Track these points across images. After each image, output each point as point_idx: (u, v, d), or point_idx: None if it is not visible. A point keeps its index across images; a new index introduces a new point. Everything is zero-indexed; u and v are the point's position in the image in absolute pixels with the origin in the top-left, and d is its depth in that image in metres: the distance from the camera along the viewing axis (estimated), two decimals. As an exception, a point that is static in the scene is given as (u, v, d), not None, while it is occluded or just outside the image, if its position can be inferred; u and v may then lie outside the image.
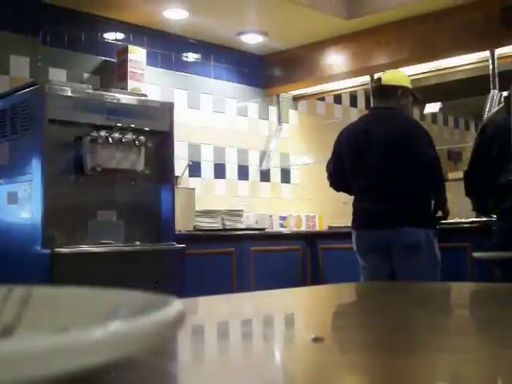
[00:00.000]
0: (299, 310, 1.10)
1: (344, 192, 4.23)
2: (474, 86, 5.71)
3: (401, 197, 3.75)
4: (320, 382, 0.50)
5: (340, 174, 4.08)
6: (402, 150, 3.74)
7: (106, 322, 0.32)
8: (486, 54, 5.18)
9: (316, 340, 0.63)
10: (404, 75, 4.06)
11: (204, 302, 1.10)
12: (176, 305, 0.37)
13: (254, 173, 6.31)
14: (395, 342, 0.67)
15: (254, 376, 0.52)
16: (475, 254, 3.35)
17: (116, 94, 4.21)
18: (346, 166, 3.99)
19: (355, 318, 0.98)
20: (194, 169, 5.75)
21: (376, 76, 4.29)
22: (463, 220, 4.58)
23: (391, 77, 4.01)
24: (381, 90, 3.97)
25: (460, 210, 3.98)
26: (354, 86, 6.41)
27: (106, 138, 4.03)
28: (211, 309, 1.03)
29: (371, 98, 4.09)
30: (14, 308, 0.45)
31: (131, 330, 0.33)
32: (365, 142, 3.85)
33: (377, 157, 3.80)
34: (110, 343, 0.31)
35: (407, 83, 3.98)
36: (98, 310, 0.42)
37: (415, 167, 3.72)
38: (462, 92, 6.39)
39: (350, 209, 6.29)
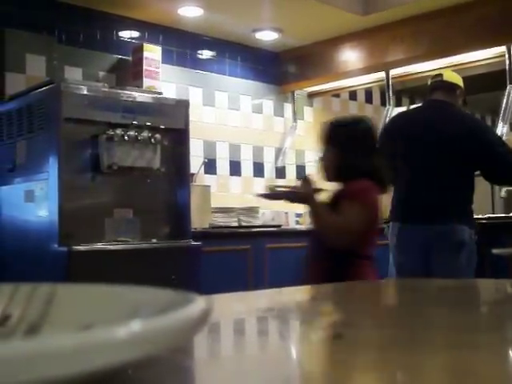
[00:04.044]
0: (318, 306, 1.10)
1: None
2: (491, 81, 5.67)
3: (455, 193, 3.72)
4: (340, 378, 0.50)
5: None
6: (468, 147, 3.71)
7: (130, 321, 0.33)
8: (503, 49, 5.15)
9: (336, 337, 0.63)
10: (461, 78, 4.05)
11: (220, 299, 1.10)
12: (200, 302, 0.37)
13: (269, 170, 6.31)
14: (415, 339, 0.67)
15: (274, 373, 0.52)
16: (494, 251, 3.33)
17: (132, 92, 4.22)
18: (398, 154, 3.90)
19: (374, 315, 0.98)
20: (210, 166, 5.75)
21: (435, 72, 4.28)
22: (480, 216, 4.55)
23: (453, 75, 4.03)
24: (444, 85, 3.96)
25: (478, 207, 3.96)
26: (369, 83, 6.39)
27: (122, 136, 4.05)
28: (230, 306, 1.03)
29: (428, 91, 4.04)
30: (39, 306, 0.46)
31: (155, 328, 0.33)
32: (428, 133, 3.78)
33: (439, 150, 3.74)
34: (135, 342, 0.31)
35: (462, 86, 4.00)
36: (121, 307, 0.43)
37: (490, 167, 3.75)
38: (479, 87, 6.34)
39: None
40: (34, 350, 0.29)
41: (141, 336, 0.32)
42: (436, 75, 4.07)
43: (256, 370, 0.54)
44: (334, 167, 2.97)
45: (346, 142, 2.95)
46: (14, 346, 0.28)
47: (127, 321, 0.33)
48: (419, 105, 4.38)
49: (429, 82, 4.05)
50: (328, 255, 2.90)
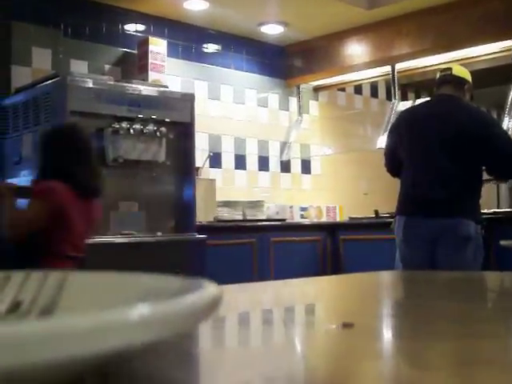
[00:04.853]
0: (326, 297, 1.10)
1: (398, 176, 4.08)
2: (496, 75, 5.66)
3: (461, 188, 3.71)
4: (350, 366, 0.50)
5: (396, 157, 3.99)
6: (475, 141, 3.70)
7: (143, 304, 0.33)
8: (509, 43, 5.14)
9: (345, 326, 0.63)
10: (469, 73, 4.03)
11: (226, 290, 1.10)
12: (211, 288, 0.38)
13: (274, 164, 6.31)
14: (423, 328, 0.67)
15: (283, 361, 0.52)
16: (502, 243, 3.32)
17: (137, 86, 4.23)
18: (405, 148, 3.91)
19: (384, 305, 0.98)
20: (215, 160, 5.75)
21: (444, 66, 4.27)
22: (485, 211, 4.55)
23: (462, 70, 4.01)
24: (452, 79, 3.95)
25: (483, 201, 3.95)
26: (374, 77, 6.38)
27: (128, 129, 4.05)
28: (238, 296, 1.03)
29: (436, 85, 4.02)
30: (50, 292, 0.46)
31: (168, 311, 0.33)
32: (436, 128, 3.77)
33: (447, 144, 3.72)
34: (148, 324, 0.32)
35: (471, 81, 3.98)
36: (132, 293, 0.43)
37: (494, 160, 3.74)
38: (484, 82, 6.33)
39: (369, 200, 6.28)
40: (47, 330, 0.29)
41: (154, 318, 0.32)
42: (445, 69, 4.05)
43: (264, 359, 0.54)
44: (38, 168, 3.29)
45: (47, 147, 3.25)
46: (29, 326, 0.29)
47: (139, 304, 0.33)
48: (427, 99, 4.36)
49: (437, 76, 4.03)
50: (18, 252, 3.14)
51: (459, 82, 3.92)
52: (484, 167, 3.83)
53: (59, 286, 0.46)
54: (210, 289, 0.37)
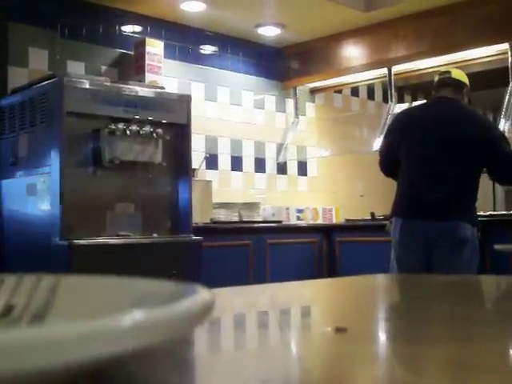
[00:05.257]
0: (320, 301, 1.10)
1: (390, 176, 4.10)
2: (493, 78, 5.66)
3: (458, 190, 3.71)
4: (344, 370, 0.50)
5: (391, 158, 4.00)
6: (475, 144, 3.70)
7: (135, 310, 0.33)
8: (505, 46, 5.14)
9: (339, 330, 0.63)
10: (466, 77, 4.04)
11: (222, 292, 1.10)
12: (204, 293, 0.38)
13: (270, 165, 6.31)
14: (417, 332, 0.67)
15: (277, 365, 0.52)
16: (497, 247, 3.33)
17: (134, 87, 4.22)
18: (402, 150, 3.91)
19: (379, 309, 0.98)
20: (211, 161, 5.75)
21: (441, 69, 4.29)
22: (481, 213, 4.55)
23: (460, 74, 4.02)
24: (451, 82, 3.95)
25: (479, 204, 3.96)
26: (371, 79, 6.39)
27: (124, 130, 4.05)
28: (233, 300, 1.03)
29: (435, 88, 4.02)
30: (43, 297, 0.46)
31: (160, 317, 0.33)
32: (435, 130, 3.77)
33: (446, 146, 3.73)
34: (139, 330, 0.32)
35: (468, 85, 3.99)
36: (125, 298, 0.43)
37: (494, 162, 3.75)
38: (481, 84, 6.34)
39: (366, 202, 6.29)
40: (38, 337, 0.29)
41: (145, 325, 0.32)
42: (444, 72, 4.06)
43: (258, 363, 0.54)
44: None
45: None
46: (19, 334, 0.28)
47: (131, 310, 0.33)
48: (424, 101, 4.36)
49: (436, 79, 4.03)
50: None
51: (458, 85, 3.93)
52: (485, 170, 3.83)
53: (52, 289, 0.46)
54: (202, 294, 0.37)
